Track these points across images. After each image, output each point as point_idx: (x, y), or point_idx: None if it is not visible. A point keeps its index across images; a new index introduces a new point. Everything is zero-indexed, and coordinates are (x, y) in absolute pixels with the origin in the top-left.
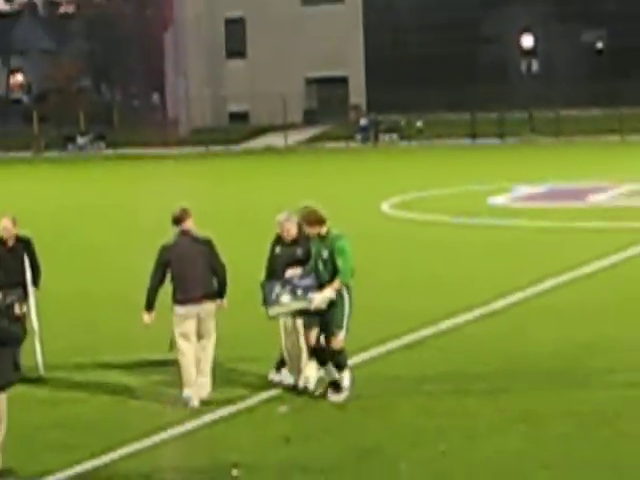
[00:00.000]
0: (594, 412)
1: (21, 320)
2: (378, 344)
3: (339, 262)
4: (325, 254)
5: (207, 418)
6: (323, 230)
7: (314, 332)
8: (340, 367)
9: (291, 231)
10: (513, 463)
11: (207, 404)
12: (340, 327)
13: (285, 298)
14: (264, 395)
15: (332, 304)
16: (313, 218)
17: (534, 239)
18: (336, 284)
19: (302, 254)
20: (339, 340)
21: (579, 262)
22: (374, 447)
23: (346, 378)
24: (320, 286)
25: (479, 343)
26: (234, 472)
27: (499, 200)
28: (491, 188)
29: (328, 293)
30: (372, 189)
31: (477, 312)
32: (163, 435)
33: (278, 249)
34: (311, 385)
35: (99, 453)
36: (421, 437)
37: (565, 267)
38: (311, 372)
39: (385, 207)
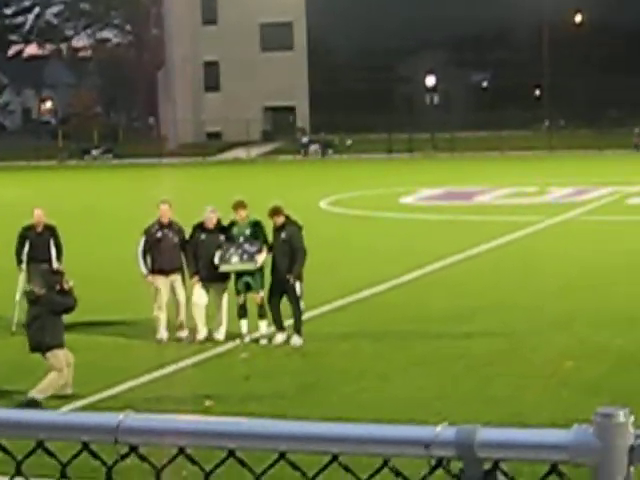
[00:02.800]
0: (477, 356)
1: (70, 292)
2: (313, 308)
3: (266, 237)
4: (248, 232)
5: (186, 362)
6: (245, 214)
7: (244, 296)
8: (261, 316)
9: (213, 220)
10: (415, 395)
11: (186, 351)
12: (262, 288)
13: (234, 259)
14: (229, 345)
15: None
16: (242, 205)
17: (433, 228)
18: (266, 252)
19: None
20: (261, 297)
21: (467, 246)
22: (312, 383)
23: (264, 324)
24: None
25: (390, 307)
26: (207, 402)
27: (408, 199)
28: (402, 190)
29: (264, 256)
30: (313, 190)
31: (389, 284)
32: (153, 375)
33: (203, 235)
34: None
35: (105, 387)
36: (347, 376)
37: (456, 249)
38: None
39: (322, 204)
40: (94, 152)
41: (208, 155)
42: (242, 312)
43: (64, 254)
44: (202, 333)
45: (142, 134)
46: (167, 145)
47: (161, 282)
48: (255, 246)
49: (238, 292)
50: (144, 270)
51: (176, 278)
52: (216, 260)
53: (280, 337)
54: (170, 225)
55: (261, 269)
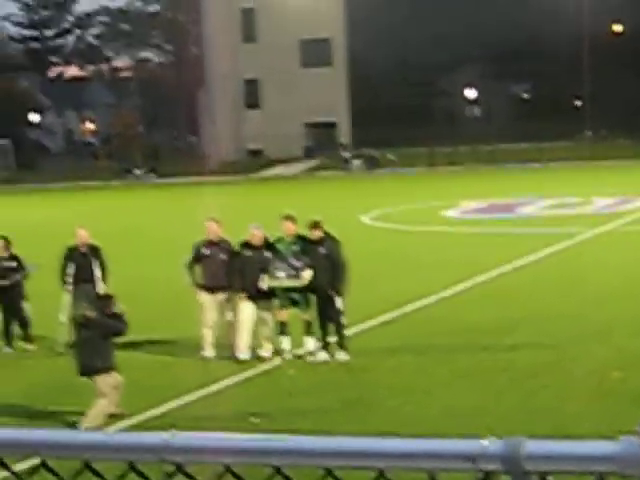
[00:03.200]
0: (521, 369)
1: (121, 316)
2: (357, 323)
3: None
4: (295, 247)
5: (231, 380)
6: (293, 228)
7: (286, 311)
8: (308, 332)
9: (258, 237)
10: (460, 409)
11: (230, 368)
12: (309, 305)
13: (280, 274)
14: (274, 362)
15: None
16: (291, 219)
17: (476, 241)
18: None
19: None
20: (307, 318)
21: (510, 258)
22: (357, 398)
23: (312, 341)
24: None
25: (433, 321)
26: (252, 419)
27: (450, 213)
28: (445, 204)
29: (310, 272)
30: (355, 205)
31: (432, 297)
32: (199, 393)
33: (248, 252)
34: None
35: (150, 407)
36: (391, 391)
37: (499, 262)
38: (285, 346)
39: (365, 218)
40: (137, 171)
41: (250, 172)
42: (283, 328)
43: (109, 274)
44: (245, 353)
45: (183, 153)
46: (209, 163)
47: (206, 299)
48: (302, 261)
49: (282, 307)
50: (188, 280)
51: (222, 297)
52: (263, 281)
53: (323, 355)
54: (219, 243)
55: (308, 286)
